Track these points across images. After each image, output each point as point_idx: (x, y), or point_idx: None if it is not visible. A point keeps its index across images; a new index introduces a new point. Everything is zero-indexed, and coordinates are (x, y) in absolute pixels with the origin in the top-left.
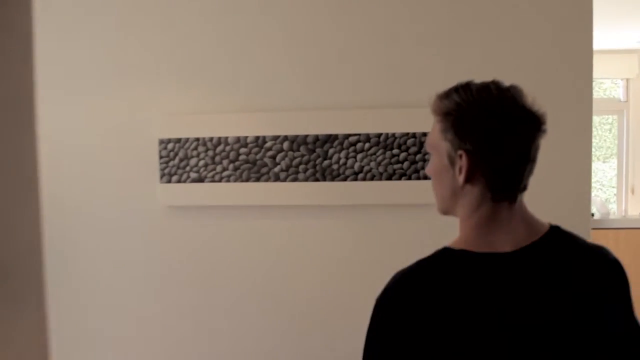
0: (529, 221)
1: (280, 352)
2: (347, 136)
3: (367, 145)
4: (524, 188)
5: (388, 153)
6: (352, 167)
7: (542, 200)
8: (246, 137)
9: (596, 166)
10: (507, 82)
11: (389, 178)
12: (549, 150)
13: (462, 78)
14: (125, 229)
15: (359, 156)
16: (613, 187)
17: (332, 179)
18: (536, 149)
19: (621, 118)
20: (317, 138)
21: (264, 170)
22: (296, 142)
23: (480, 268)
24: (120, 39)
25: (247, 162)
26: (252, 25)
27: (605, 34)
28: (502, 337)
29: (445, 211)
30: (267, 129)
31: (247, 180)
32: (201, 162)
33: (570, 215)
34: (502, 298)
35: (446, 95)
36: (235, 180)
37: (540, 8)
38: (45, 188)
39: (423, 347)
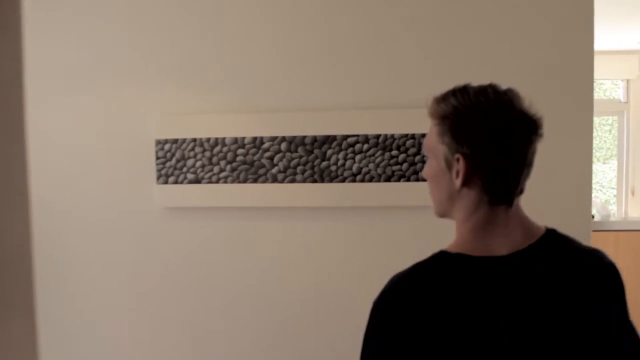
0: (526, 224)
1: (277, 354)
2: (346, 137)
3: (365, 146)
4: (521, 191)
5: (387, 154)
6: (351, 168)
7: (542, 202)
8: (244, 137)
9: (596, 167)
10: (508, 82)
11: (388, 180)
12: (549, 152)
13: (462, 79)
14: (121, 230)
15: (358, 157)
16: (613, 188)
17: (330, 181)
18: (533, 152)
19: (621, 119)
20: (315, 139)
21: (262, 171)
22: (294, 143)
23: (476, 272)
24: (117, 39)
25: (244, 163)
26: (249, 25)
27: (606, 35)
28: (498, 340)
29: (442, 214)
30: (264, 130)
31: (245, 181)
32: (198, 163)
33: (571, 217)
34: (498, 301)
35: (443, 98)
36: (233, 182)
37: (541, 8)
38: (41, 190)
39: (420, 350)
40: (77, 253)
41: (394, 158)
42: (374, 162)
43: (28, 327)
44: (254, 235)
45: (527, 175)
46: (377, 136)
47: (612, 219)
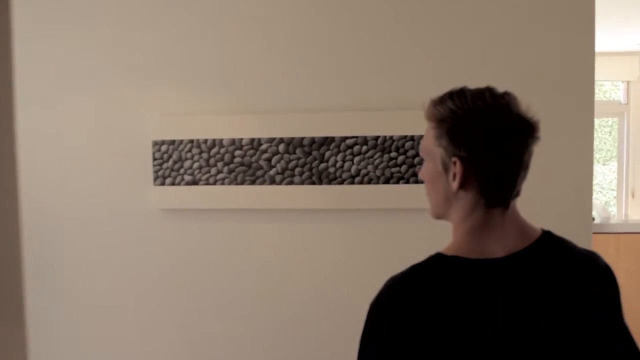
0: (522, 227)
1: (275, 356)
2: (344, 139)
3: (364, 148)
4: (517, 194)
5: (386, 156)
6: (349, 170)
7: (543, 204)
8: (241, 139)
9: (596, 169)
10: (507, 84)
11: (387, 182)
12: (549, 153)
13: (461, 80)
14: (118, 232)
15: (356, 159)
16: (613, 189)
17: (329, 183)
18: (530, 155)
19: (622, 121)
20: (313, 140)
21: (259, 173)
22: (292, 144)
23: (472, 274)
24: (114, 39)
25: (242, 164)
26: (248, 26)
27: (606, 36)
28: (494, 342)
29: (439, 216)
30: (262, 131)
31: (242, 183)
32: (195, 165)
33: (571, 219)
34: (493, 303)
35: (440, 101)
36: (230, 183)
37: (542, 9)
38: (36, 190)
39: (416, 352)
40: (73, 255)
41: (393, 160)
42: (372, 163)
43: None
44: (252, 238)
45: (524, 178)
46: (376, 138)
47: (612, 221)
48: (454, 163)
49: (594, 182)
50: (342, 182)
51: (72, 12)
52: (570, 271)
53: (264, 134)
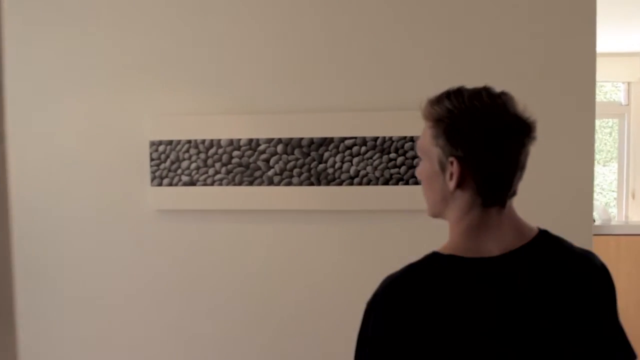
0: (518, 226)
1: (273, 357)
2: (343, 139)
3: (363, 148)
4: (514, 193)
5: (385, 157)
6: (348, 171)
7: (543, 205)
8: (239, 139)
9: (596, 170)
10: (508, 84)
11: (386, 183)
12: (550, 154)
13: (462, 81)
14: (114, 233)
15: (355, 160)
16: (613, 191)
17: (327, 184)
18: (526, 155)
19: (622, 122)
20: (312, 141)
21: (258, 173)
22: (290, 145)
23: (468, 272)
24: (111, 39)
25: (240, 165)
26: (246, 26)
27: (607, 37)
28: (489, 340)
29: (436, 215)
30: (260, 132)
31: (240, 184)
32: (193, 165)
33: (572, 221)
34: (489, 302)
35: (437, 100)
36: (228, 184)
37: (542, 10)
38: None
39: (412, 350)
40: (69, 256)
41: (392, 161)
42: (371, 164)
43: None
44: (250, 239)
45: (520, 177)
46: (375, 138)
47: (613, 223)
48: (451, 163)
49: (594, 183)
50: (340, 183)
51: (68, 12)
52: (566, 270)
53: (262, 135)
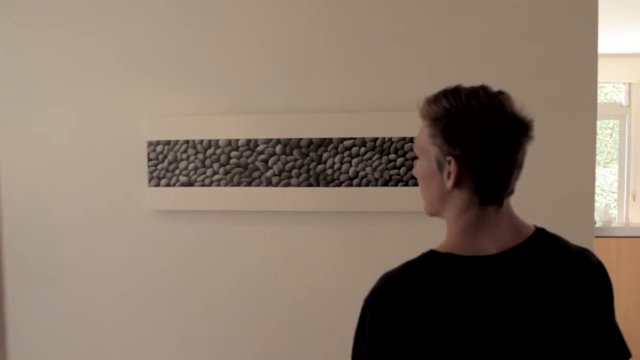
0: (515, 224)
1: (275, 358)
2: (342, 140)
3: (362, 149)
4: (511, 192)
5: (384, 158)
6: (347, 172)
7: (544, 207)
8: (237, 140)
9: (597, 171)
10: (509, 85)
11: (385, 184)
12: (551, 155)
13: (462, 82)
14: (111, 233)
15: (354, 161)
16: (613, 192)
17: (326, 185)
18: (523, 154)
19: (623, 123)
20: (311, 142)
21: (256, 174)
22: (289, 145)
23: (465, 270)
24: (108, 39)
25: (238, 165)
26: (244, 26)
27: (608, 38)
28: (486, 338)
29: (433, 213)
30: (259, 132)
31: (238, 184)
32: (191, 165)
33: (573, 223)
34: (486, 300)
35: (435, 99)
36: (226, 185)
37: (544, 11)
38: (28, 191)
39: (409, 347)
40: (66, 256)
41: (392, 162)
42: (371, 165)
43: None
44: (248, 240)
45: (517, 176)
46: (375, 139)
47: (614, 224)
48: (449, 162)
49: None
50: (339, 184)
51: (66, 12)
52: (562, 268)
53: (261, 135)
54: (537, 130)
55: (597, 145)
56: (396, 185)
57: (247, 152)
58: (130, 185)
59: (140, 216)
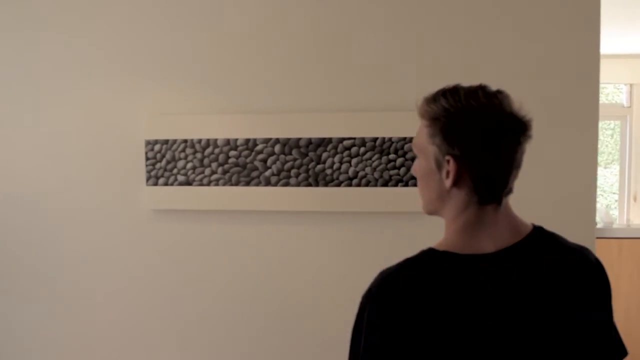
0: (513, 223)
1: (274, 357)
2: (342, 140)
3: (362, 149)
4: (510, 191)
5: (384, 158)
6: (347, 172)
7: (545, 208)
8: (236, 139)
9: (598, 172)
10: (511, 85)
11: (385, 184)
12: (553, 156)
13: (463, 82)
14: (109, 233)
15: (354, 161)
16: (614, 193)
17: (325, 185)
18: (522, 153)
19: (624, 124)
20: (310, 141)
21: (254, 174)
22: (288, 145)
23: (462, 268)
24: (106, 36)
25: (236, 165)
26: (244, 25)
27: (609, 38)
28: (483, 336)
29: (432, 212)
30: (258, 131)
31: (237, 184)
32: (189, 165)
33: (574, 224)
34: (483, 298)
35: (434, 99)
36: (224, 184)
37: (546, 11)
38: (24, 189)
39: (406, 344)
40: (63, 255)
41: (392, 162)
42: (370, 165)
43: None
44: (246, 240)
45: (516, 175)
46: (374, 139)
47: (615, 226)
48: (448, 161)
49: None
50: (339, 185)
51: (64, 11)
52: (560, 265)
53: (260, 134)
54: (539, 131)
55: (598, 146)
56: (396, 185)
57: (246, 152)
58: (128, 184)
59: (138, 215)
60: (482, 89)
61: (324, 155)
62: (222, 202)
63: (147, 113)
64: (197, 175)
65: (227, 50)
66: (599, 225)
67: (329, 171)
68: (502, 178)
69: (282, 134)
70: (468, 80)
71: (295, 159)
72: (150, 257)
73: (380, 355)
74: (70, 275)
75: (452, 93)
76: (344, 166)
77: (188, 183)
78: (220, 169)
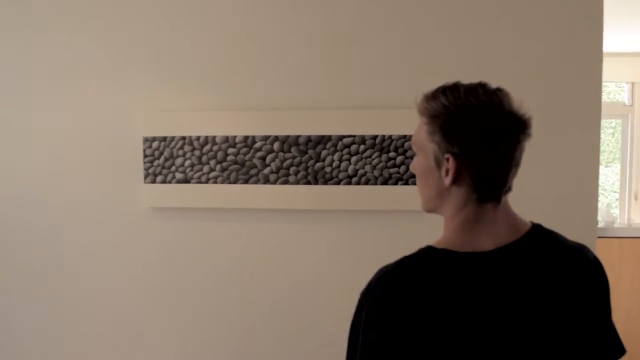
0: (512, 221)
1: (268, 358)
2: (341, 137)
3: (362, 147)
4: (509, 189)
5: (384, 156)
6: (346, 170)
7: (547, 207)
8: (235, 136)
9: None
10: (512, 84)
11: (385, 182)
12: (554, 156)
13: (465, 80)
14: (106, 231)
15: (354, 159)
16: (615, 192)
17: (325, 183)
18: (521, 151)
19: (625, 122)
20: (309, 139)
21: (253, 171)
22: (287, 142)
23: (461, 266)
24: (104, 34)
25: (235, 162)
26: (242, 21)
27: (610, 37)
28: (481, 334)
29: (430, 210)
30: (256, 129)
31: (235, 182)
32: (187, 162)
33: (576, 224)
34: (482, 295)
35: (433, 96)
36: (223, 182)
37: (548, 9)
38: (21, 188)
39: (404, 341)
40: (60, 253)
41: (392, 160)
42: (370, 163)
43: None
44: (245, 238)
45: (515, 173)
46: (374, 137)
47: (616, 225)
48: (447, 159)
49: None
50: (338, 183)
51: (62, 9)
52: (558, 263)
53: (258, 132)
54: (541, 130)
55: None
56: (396, 183)
57: (245, 149)
58: (126, 182)
59: (135, 213)
60: (482, 86)
61: (324, 153)
62: (221, 200)
63: (145, 110)
64: (196, 172)
65: (226, 47)
66: (600, 225)
67: (328, 169)
68: (501, 176)
69: (281, 132)
70: (468, 78)
71: (294, 157)
72: (148, 255)
73: (378, 352)
74: (68, 274)
75: (452, 90)
76: (343, 164)
77: (186, 181)
78: (218, 167)
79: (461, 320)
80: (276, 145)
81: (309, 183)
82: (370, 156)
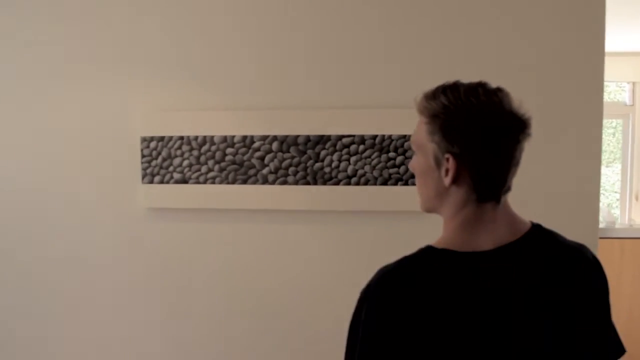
0: (512, 221)
1: (272, 356)
2: (341, 137)
3: (361, 147)
4: (508, 189)
5: (384, 156)
6: (345, 170)
7: (548, 207)
8: (233, 136)
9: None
10: (513, 83)
11: (384, 183)
12: (555, 156)
13: (465, 79)
14: (104, 231)
15: (353, 159)
16: (616, 192)
17: (324, 183)
18: (521, 151)
19: (626, 122)
20: (308, 139)
21: (252, 172)
22: (286, 142)
23: (461, 266)
24: (101, 32)
25: (233, 163)
26: (240, 20)
27: (611, 36)
28: (481, 333)
29: (429, 210)
30: (255, 129)
31: (234, 182)
32: (185, 162)
33: (577, 224)
34: (481, 295)
35: (433, 96)
36: (221, 182)
37: (550, 8)
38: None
39: (403, 340)
40: (57, 254)
41: (391, 160)
42: (370, 164)
43: None
44: (243, 239)
45: (514, 173)
46: (374, 137)
47: (617, 225)
48: (447, 159)
49: None
50: (337, 183)
51: (60, 8)
52: (558, 263)
53: (257, 132)
54: (543, 130)
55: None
56: (395, 184)
57: (243, 149)
58: (124, 182)
59: (133, 214)
60: (482, 86)
61: (323, 153)
62: (219, 201)
63: (142, 110)
64: (194, 173)
65: (224, 47)
66: (601, 225)
67: (327, 169)
68: (501, 176)
69: (280, 131)
70: (469, 78)
71: (293, 157)
72: (145, 256)
73: (378, 352)
74: (66, 274)
75: (452, 90)
76: (342, 164)
77: (184, 181)
78: (216, 167)
79: (461, 320)
80: (275, 145)
81: (308, 183)
82: (369, 156)
